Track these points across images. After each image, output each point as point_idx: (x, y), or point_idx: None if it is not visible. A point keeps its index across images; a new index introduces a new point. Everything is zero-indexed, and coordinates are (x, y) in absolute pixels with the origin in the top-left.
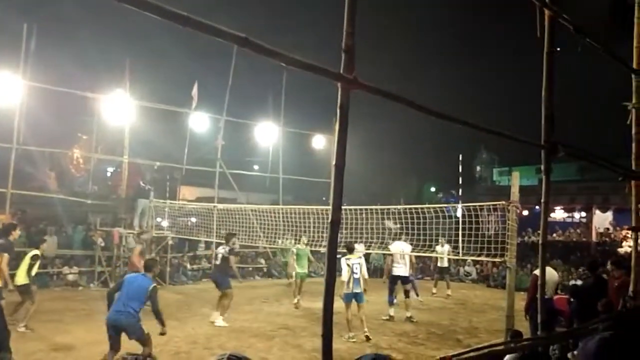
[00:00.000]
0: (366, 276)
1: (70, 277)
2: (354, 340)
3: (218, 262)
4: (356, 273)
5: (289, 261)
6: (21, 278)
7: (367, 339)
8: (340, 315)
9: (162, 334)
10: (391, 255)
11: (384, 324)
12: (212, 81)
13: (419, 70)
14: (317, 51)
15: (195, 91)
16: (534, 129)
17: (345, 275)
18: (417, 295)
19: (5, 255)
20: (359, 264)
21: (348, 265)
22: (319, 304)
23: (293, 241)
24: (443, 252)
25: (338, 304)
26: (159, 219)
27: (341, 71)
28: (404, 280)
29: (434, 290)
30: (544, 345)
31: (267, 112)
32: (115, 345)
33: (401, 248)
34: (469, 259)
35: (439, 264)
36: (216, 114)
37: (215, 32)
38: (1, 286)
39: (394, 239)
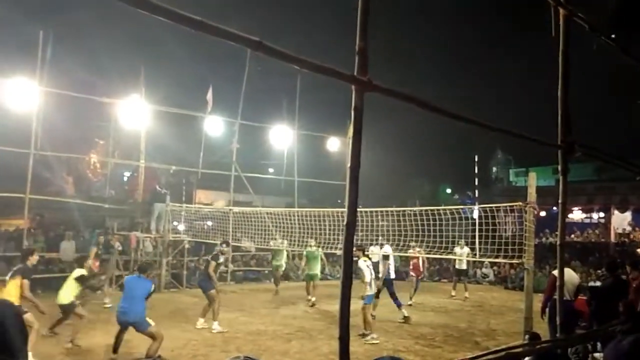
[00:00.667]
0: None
1: None
2: (376, 342)
3: (202, 267)
4: (373, 274)
5: (300, 264)
6: (63, 297)
7: (364, 336)
8: (357, 318)
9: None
10: (387, 258)
11: (400, 326)
12: (226, 85)
13: (432, 71)
14: (330, 54)
15: (210, 95)
16: (551, 128)
17: (368, 277)
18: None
19: (26, 281)
20: (372, 265)
21: (368, 267)
22: (335, 306)
23: (285, 242)
24: (462, 254)
25: (354, 306)
26: (175, 223)
27: (355, 73)
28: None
29: (453, 293)
30: (563, 348)
31: (281, 115)
32: (123, 329)
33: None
34: (486, 260)
35: (457, 266)
36: (231, 117)
37: (229, 36)
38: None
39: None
